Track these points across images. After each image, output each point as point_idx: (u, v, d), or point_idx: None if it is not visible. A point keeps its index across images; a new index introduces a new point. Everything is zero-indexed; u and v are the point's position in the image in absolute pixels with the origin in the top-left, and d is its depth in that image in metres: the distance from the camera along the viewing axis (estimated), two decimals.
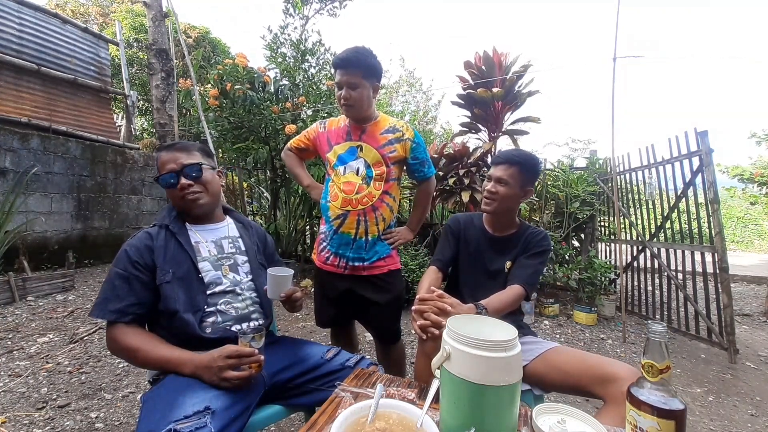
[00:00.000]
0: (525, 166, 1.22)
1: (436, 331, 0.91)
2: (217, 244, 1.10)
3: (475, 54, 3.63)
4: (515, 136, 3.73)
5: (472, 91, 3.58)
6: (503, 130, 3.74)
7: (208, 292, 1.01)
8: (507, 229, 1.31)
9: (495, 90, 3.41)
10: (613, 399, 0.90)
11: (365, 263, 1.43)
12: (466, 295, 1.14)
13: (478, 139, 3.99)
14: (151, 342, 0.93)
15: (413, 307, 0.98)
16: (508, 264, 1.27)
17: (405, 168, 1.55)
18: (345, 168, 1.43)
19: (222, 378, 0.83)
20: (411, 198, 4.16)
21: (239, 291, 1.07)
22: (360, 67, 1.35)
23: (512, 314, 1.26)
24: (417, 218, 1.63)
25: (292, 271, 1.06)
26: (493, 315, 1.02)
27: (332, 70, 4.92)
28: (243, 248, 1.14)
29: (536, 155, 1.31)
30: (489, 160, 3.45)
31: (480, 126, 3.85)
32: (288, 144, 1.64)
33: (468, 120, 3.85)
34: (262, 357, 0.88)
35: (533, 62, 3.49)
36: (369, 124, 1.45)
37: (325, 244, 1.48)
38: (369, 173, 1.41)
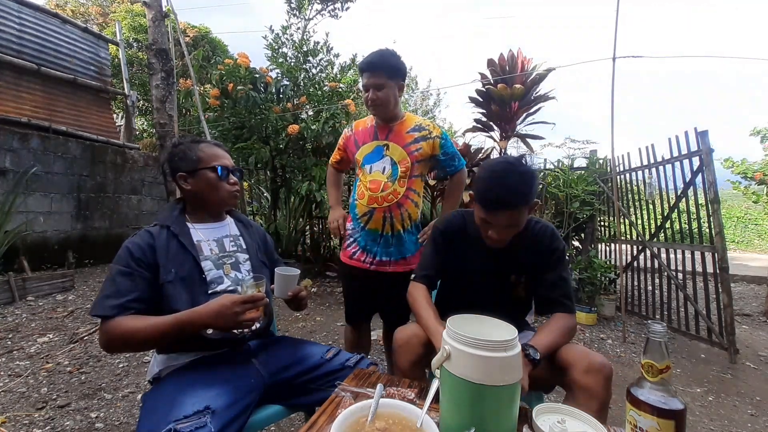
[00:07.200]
0: (529, 198, 1.00)
1: None
2: (218, 243, 1.10)
3: (499, 54, 3.62)
4: (528, 140, 3.72)
5: (491, 87, 3.57)
6: (516, 132, 3.73)
7: (210, 291, 1.01)
8: None
9: (516, 86, 3.40)
10: (568, 388, 0.86)
11: (392, 258, 1.49)
12: (461, 306, 0.92)
13: (490, 137, 3.97)
14: (148, 319, 0.88)
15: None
16: (512, 277, 1.14)
17: (436, 165, 1.59)
18: (371, 167, 1.49)
19: (241, 320, 0.88)
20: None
21: (240, 291, 1.07)
22: (384, 69, 1.42)
23: (513, 315, 1.24)
24: (450, 210, 1.62)
25: (299, 271, 1.10)
26: (544, 355, 0.91)
27: (334, 71, 4.92)
28: (244, 246, 1.15)
29: (532, 169, 1.02)
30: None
31: (493, 125, 3.82)
32: (329, 161, 1.75)
33: (482, 117, 3.83)
34: (267, 300, 0.95)
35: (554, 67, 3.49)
36: (396, 124, 1.51)
37: (351, 240, 1.55)
38: (395, 171, 1.46)
